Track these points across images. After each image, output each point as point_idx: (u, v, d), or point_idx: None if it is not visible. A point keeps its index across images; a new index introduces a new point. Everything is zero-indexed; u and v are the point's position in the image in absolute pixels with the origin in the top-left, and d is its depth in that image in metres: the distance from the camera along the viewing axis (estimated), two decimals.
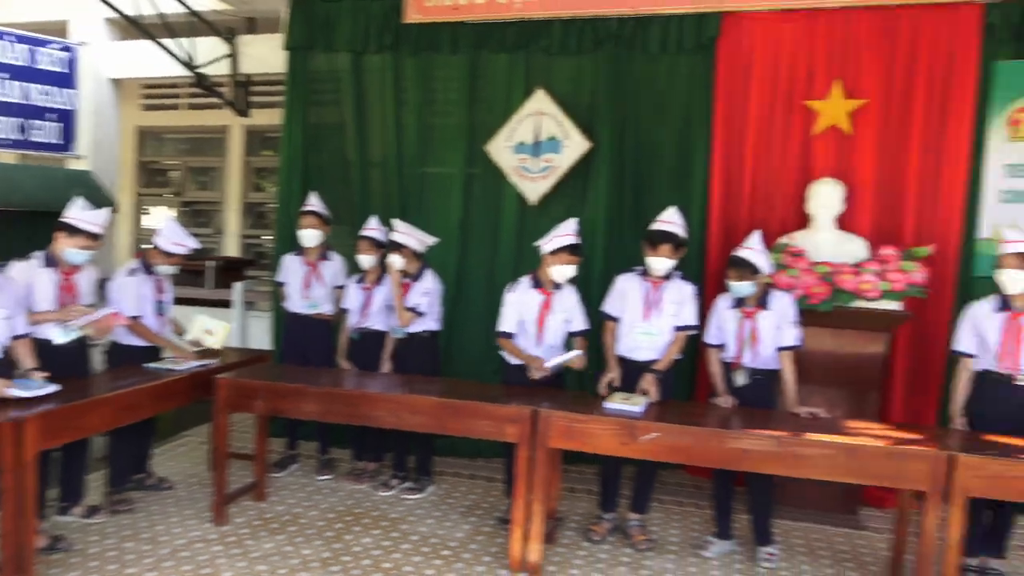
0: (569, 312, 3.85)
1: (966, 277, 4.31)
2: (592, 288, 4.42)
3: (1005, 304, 3.38)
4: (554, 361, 3.67)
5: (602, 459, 3.81)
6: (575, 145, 4.83)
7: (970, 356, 3.47)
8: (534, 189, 4.92)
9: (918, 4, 4.28)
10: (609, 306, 3.82)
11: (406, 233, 4.24)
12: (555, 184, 4.88)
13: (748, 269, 3.54)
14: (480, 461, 4.86)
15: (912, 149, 4.35)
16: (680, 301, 3.71)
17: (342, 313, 4.52)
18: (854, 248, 4.16)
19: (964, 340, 3.49)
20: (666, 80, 4.80)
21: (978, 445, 3.09)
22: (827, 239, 4.22)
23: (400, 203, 5.15)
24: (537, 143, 4.89)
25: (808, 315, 3.85)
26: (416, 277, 4.26)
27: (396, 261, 4.22)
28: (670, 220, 3.74)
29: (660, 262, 3.67)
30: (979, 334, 3.43)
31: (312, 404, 3.68)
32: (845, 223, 4.32)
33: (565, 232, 3.77)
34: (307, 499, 4.20)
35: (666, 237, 3.66)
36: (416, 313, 4.21)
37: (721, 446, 3.18)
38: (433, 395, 3.59)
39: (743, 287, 3.57)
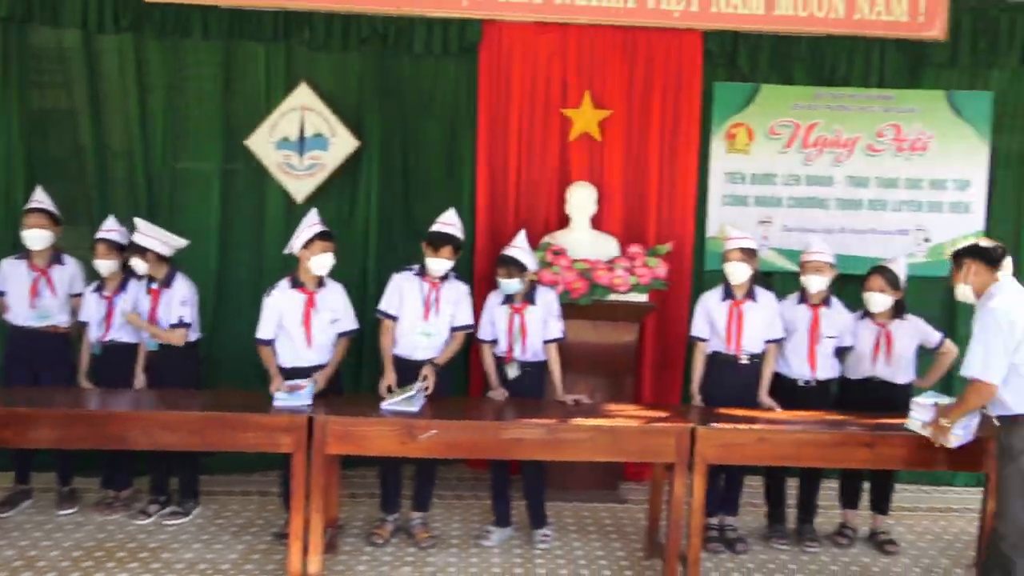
0: (337, 311, 3.74)
1: (699, 270, 4.90)
2: (367, 288, 4.36)
3: (729, 293, 3.89)
4: (284, 401, 3.39)
5: (381, 461, 3.78)
6: (343, 143, 4.72)
7: (704, 340, 3.93)
8: (300, 187, 4.74)
9: (651, 28, 4.73)
10: (387, 304, 3.78)
11: (150, 235, 3.87)
12: (323, 182, 4.74)
13: (516, 267, 3.71)
14: (256, 475, 4.58)
15: (652, 157, 4.82)
16: (456, 301, 3.79)
17: (81, 326, 4.02)
18: (607, 246, 4.53)
19: (698, 326, 3.95)
20: (432, 81, 4.87)
21: (713, 418, 3.49)
22: (583, 238, 4.54)
23: (148, 200, 4.69)
24: (302, 139, 4.71)
25: (569, 309, 4.13)
26: (166, 283, 3.91)
27: (139, 266, 3.85)
28: (450, 222, 3.79)
29: (441, 263, 3.70)
30: (710, 320, 3.90)
31: (47, 430, 3.21)
32: (599, 223, 4.69)
33: (310, 223, 3.66)
34: (46, 538, 3.68)
35: (447, 239, 3.70)
36: (184, 326, 3.89)
37: (497, 438, 3.29)
38: (194, 409, 3.32)
39: (512, 284, 3.73)
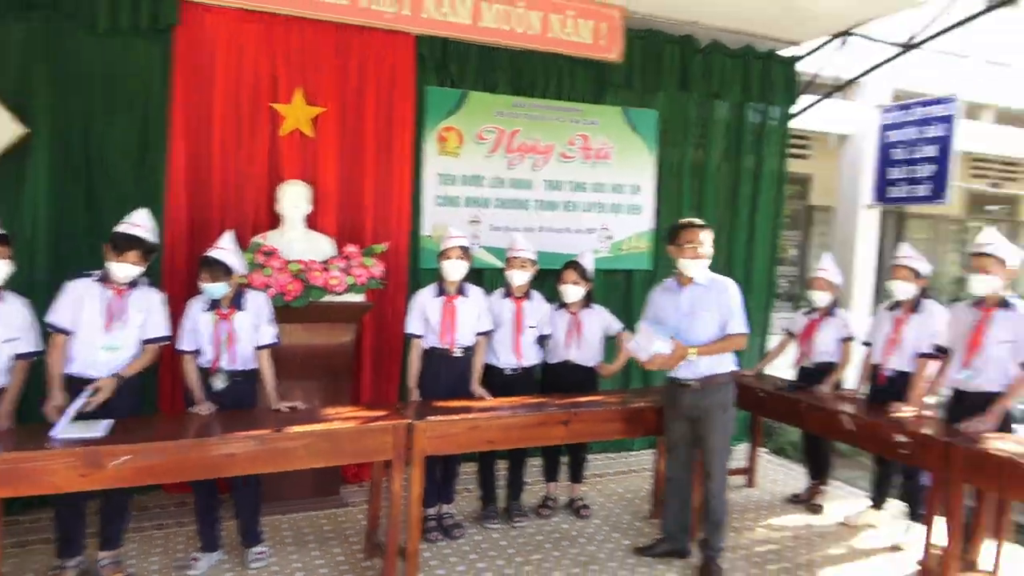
0: (15, 330, 3.23)
1: (415, 269, 5.02)
2: (39, 301, 3.78)
3: (442, 290, 4.04)
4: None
5: (56, 499, 3.26)
6: (4, 129, 4.04)
7: (419, 336, 4.04)
8: None
9: (365, 27, 4.72)
10: (57, 316, 3.31)
11: None
12: None
13: (221, 270, 3.49)
14: None
15: (367, 156, 4.83)
16: (148, 310, 3.44)
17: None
18: (323, 246, 4.45)
19: (413, 323, 4.05)
20: (120, 64, 4.34)
21: (429, 411, 3.62)
22: (297, 238, 4.40)
23: None
24: None
25: (284, 312, 3.99)
26: None
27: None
28: (139, 223, 3.42)
29: (125, 269, 3.33)
30: (425, 317, 4.03)
31: None
32: (314, 223, 4.59)
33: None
34: None
35: (133, 241, 3.33)
36: None
37: (204, 456, 3.06)
38: None
39: (217, 288, 3.50)
